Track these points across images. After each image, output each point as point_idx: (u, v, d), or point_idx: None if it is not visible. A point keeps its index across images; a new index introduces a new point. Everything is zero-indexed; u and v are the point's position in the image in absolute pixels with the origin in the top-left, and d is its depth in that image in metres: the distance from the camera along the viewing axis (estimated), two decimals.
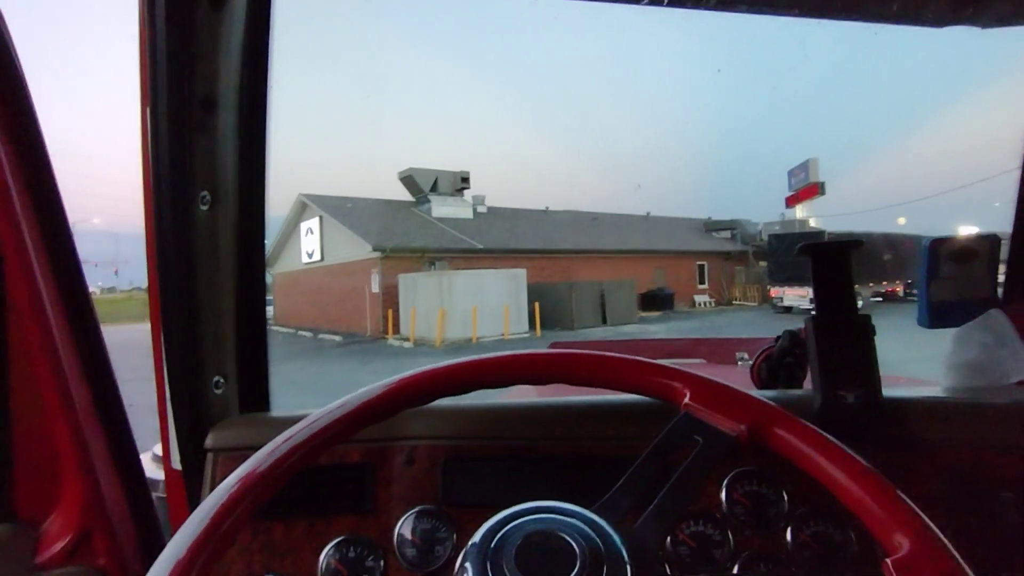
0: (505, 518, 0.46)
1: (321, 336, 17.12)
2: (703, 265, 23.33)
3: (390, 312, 16.23)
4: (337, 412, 0.54)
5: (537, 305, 16.14)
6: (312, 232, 19.67)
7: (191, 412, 0.77)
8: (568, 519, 0.45)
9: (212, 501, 0.47)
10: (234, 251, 0.80)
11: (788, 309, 18.56)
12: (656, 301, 19.71)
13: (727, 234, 25.37)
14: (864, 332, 0.71)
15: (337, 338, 16.42)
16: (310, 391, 7.94)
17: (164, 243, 0.73)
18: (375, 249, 16.66)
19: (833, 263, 0.74)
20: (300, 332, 18.46)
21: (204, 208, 0.75)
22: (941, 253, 0.86)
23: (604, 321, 16.85)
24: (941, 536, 0.41)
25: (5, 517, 0.81)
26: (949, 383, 0.84)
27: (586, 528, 0.44)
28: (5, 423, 0.81)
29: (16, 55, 0.74)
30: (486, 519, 0.73)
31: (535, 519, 0.45)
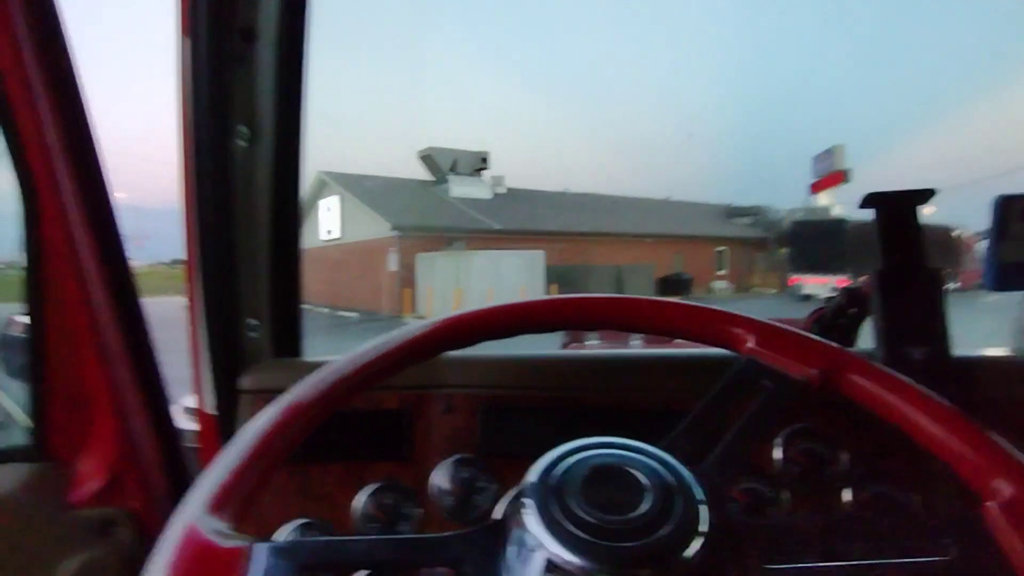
0: (566, 452, 0.43)
1: (339, 313, 17.26)
2: (723, 251, 23.04)
3: (407, 291, 16.29)
4: (382, 348, 0.51)
5: (554, 288, 16.09)
6: (331, 210, 19.74)
7: (225, 354, 0.76)
8: (634, 454, 0.42)
9: (256, 427, 0.44)
10: (270, 191, 0.77)
11: (808, 297, 18.30)
12: (674, 286, 19.53)
13: (748, 220, 24.98)
14: (933, 286, 0.67)
15: (354, 315, 16.53)
16: None
17: (201, 178, 0.71)
18: (394, 228, 16.68)
19: (900, 214, 0.69)
20: (317, 309, 18.63)
21: (242, 143, 0.73)
22: (1012, 210, 0.81)
23: None
24: None
25: (40, 456, 0.81)
26: (1020, 344, 0.80)
27: (655, 464, 0.41)
28: (41, 366, 0.80)
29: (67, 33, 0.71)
30: (527, 469, 0.71)
31: (599, 454, 0.42)
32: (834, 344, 0.50)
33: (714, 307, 0.55)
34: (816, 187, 22.10)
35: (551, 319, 0.55)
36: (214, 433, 0.77)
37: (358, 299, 17.86)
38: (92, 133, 0.76)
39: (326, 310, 18.13)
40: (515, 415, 0.71)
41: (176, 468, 0.87)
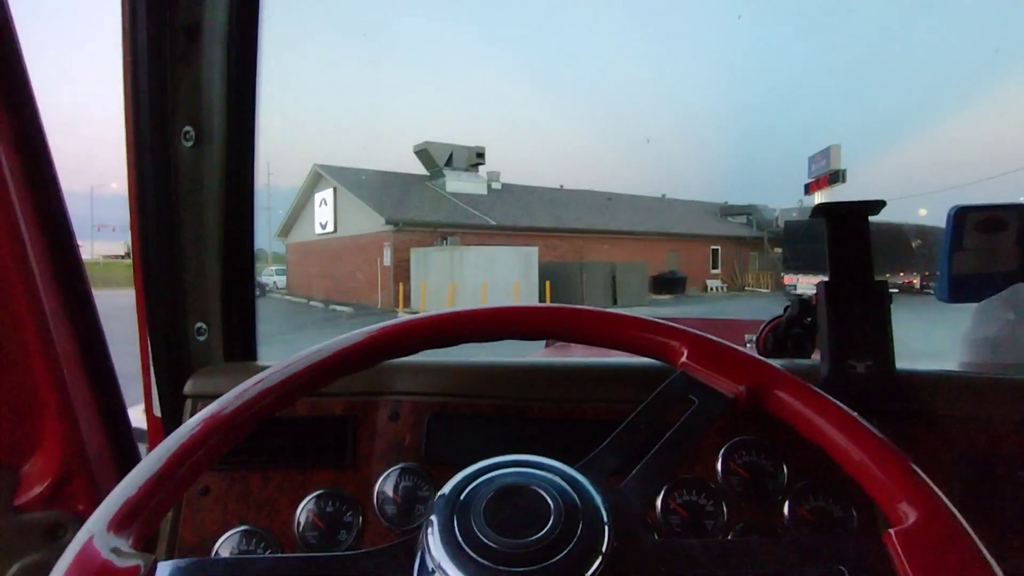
0: (478, 470, 0.42)
1: (333, 307, 17.23)
2: (717, 249, 23.08)
3: (401, 285, 16.27)
4: (313, 358, 0.51)
5: (548, 284, 16.09)
6: (326, 203, 19.67)
7: (171, 358, 0.75)
8: (546, 474, 0.42)
9: (172, 441, 0.44)
10: (220, 192, 0.76)
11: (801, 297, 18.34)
12: (668, 284, 19.57)
13: (743, 219, 25.02)
14: (879, 300, 0.67)
15: (348, 309, 16.50)
16: None
17: (143, 181, 0.70)
18: (388, 222, 16.64)
19: (850, 225, 0.69)
20: (312, 302, 18.58)
21: (187, 144, 0.72)
22: (966, 222, 0.81)
23: (615, 302, 16.79)
24: (951, 506, 0.38)
25: None
26: (966, 359, 0.80)
27: (564, 484, 0.41)
28: None
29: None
30: None
31: (510, 472, 0.42)
32: (766, 360, 0.50)
33: (652, 319, 0.54)
34: (812, 187, 22.14)
35: (490, 328, 0.55)
36: (160, 435, 0.77)
37: (352, 293, 17.83)
38: (38, 120, 0.75)
39: (320, 304, 18.08)
40: (461, 423, 0.70)
41: (128, 470, 0.86)
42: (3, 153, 0.71)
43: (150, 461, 0.43)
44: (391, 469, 0.69)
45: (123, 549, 0.37)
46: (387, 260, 16.90)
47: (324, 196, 19.79)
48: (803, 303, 0.81)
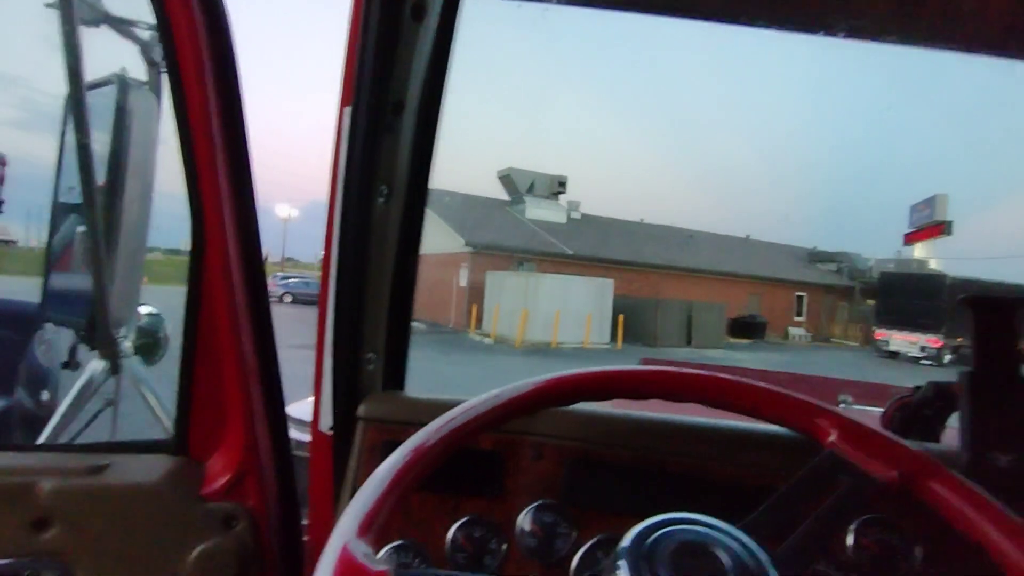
0: (656, 524, 0.48)
1: None
2: (802, 296, 22.02)
3: (474, 307, 16.58)
4: (493, 401, 0.59)
5: (621, 317, 15.91)
6: None
7: (347, 383, 0.86)
8: (718, 534, 0.47)
9: (391, 464, 0.53)
10: (397, 239, 0.88)
11: (894, 355, 17.16)
12: (746, 328, 18.84)
13: (832, 266, 23.80)
14: None
15: (421, 326, 16.97)
16: None
17: (345, 231, 0.82)
18: (467, 244, 17.06)
19: (997, 318, 0.71)
20: None
21: (381, 200, 0.83)
22: None
23: (689, 342, 16.34)
24: None
25: (180, 450, 0.94)
26: None
27: (736, 545, 0.46)
28: (190, 367, 0.93)
29: (236, 58, 0.86)
30: (608, 522, 0.76)
31: (687, 529, 0.48)
32: (917, 448, 0.53)
33: (801, 396, 0.59)
34: (911, 237, 20.81)
35: (644, 388, 0.61)
36: (327, 451, 0.87)
37: (426, 310, 18.32)
38: (249, 158, 0.89)
39: None
40: (599, 470, 0.76)
41: (285, 473, 0.98)
42: (222, 180, 0.86)
43: (378, 479, 0.52)
44: (533, 504, 0.76)
45: (370, 555, 0.46)
46: (463, 281, 17.29)
47: None
48: (938, 387, 0.83)
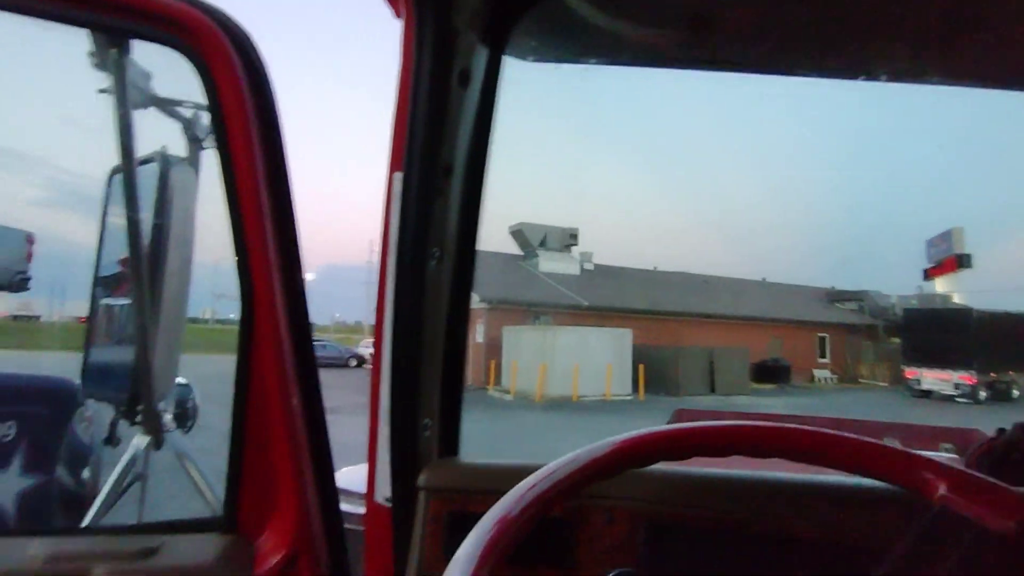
0: None
1: None
2: (824, 337, 21.63)
3: (492, 363, 16.45)
4: (571, 465, 0.56)
5: (642, 367, 15.68)
6: None
7: (404, 451, 0.83)
8: None
9: (476, 539, 0.50)
10: (448, 303, 0.87)
11: (927, 393, 16.59)
12: (771, 373, 18.43)
13: (853, 305, 23.45)
14: None
15: None
16: None
17: (400, 296, 0.81)
18: (483, 300, 17.12)
19: None
20: None
21: (433, 263, 0.83)
22: None
23: (712, 390, 15.99)
24: None
25: (229, 528, 0.91)
26: None
27: None
28: (240, 442, 0.91)
29: (278, 114, 0.88)
30: None
31: None
32: None
33: (904, 449, 0.55)
34: (933, 272, 20.54)
35: (735, 445, 0.58)
36: (386, 524, 0.83)
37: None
38: (296, 230, 0.90)
39: None
40: (678, 533, 0.72)
41: (339, 550, 0.93)
42: (271, 253, 0.86)
43: (465, 557, 0.48)
44: (608, 574, 0.71)
45: None
46: (479, 337, 17.24)
47: None
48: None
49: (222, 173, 0.87)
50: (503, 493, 0.55)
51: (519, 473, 0.87)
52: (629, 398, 15.12)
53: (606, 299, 19.12)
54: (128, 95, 1.00)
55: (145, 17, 0.87)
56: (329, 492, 0.95)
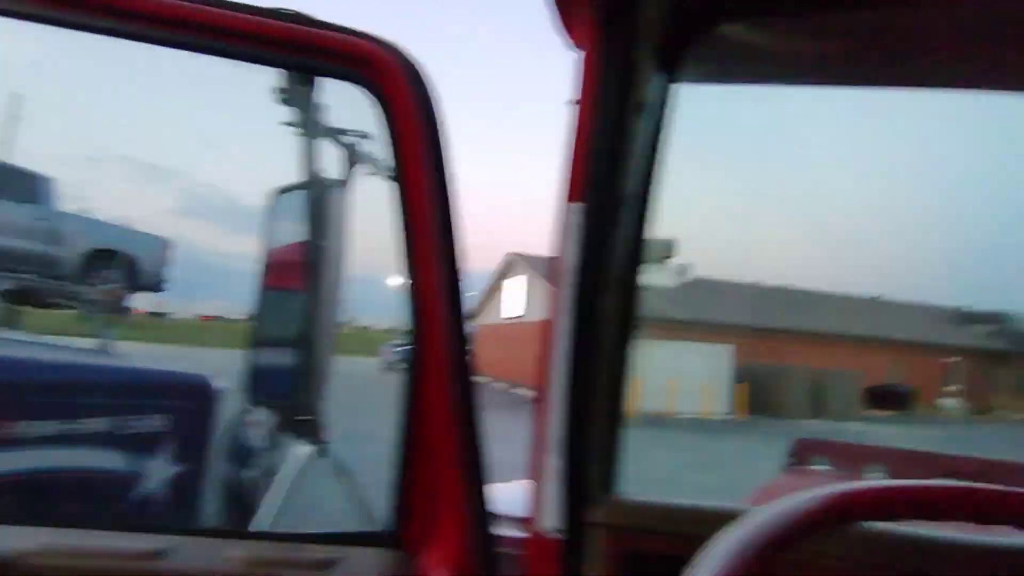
0: None
1: (513, 390, 17.78)
2: (954, 363, 19.53)
3: None
4: (783, 517, 0.52)
5: (743, 386, 14.92)
6: (517, 289, 20.87)
7: (575, 484, 0.82)
8: None
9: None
10: (614, 334, 0.86)
11: None
12: (887, 398, 16.69)
13: (989, 328, 21.02)
14: None
15: (529, 394, 16.86)
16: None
17: (577, 328, 0.81)
18: None
19: None
20: (494, 384, 19.41)
21: (608, 296, 0.82)
22: None
23: (819, 414, 14.92)
24: None
25: (396, 543, 0.94)
26: None
27: None
28: (409, 463, 0.94)
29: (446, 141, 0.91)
30: None
31: None
32: None
33: None
34: None
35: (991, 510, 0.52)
36: (551, 555, 0.83)
37: (534, 377, 18.21)
38: (460, 253, 0.93)
39: (503, 385, 18.80)
40: None
41: (494, 572, 0.94)
42: (437, 277, 0.89)
43: None
44: None
45: None
46: None
47: (516, 282, 21.05)
48: None
49: (398, 201, 0.92)
50: (679, 535, 0.52)
51: (691, 514, 0.83)
52: (728, 418, 14.43)
53: (704, 313, 18.39)
54: (313, 130, 1.08)
55: (332, 56, 0.93)
56: (486, 513, 0.96)
